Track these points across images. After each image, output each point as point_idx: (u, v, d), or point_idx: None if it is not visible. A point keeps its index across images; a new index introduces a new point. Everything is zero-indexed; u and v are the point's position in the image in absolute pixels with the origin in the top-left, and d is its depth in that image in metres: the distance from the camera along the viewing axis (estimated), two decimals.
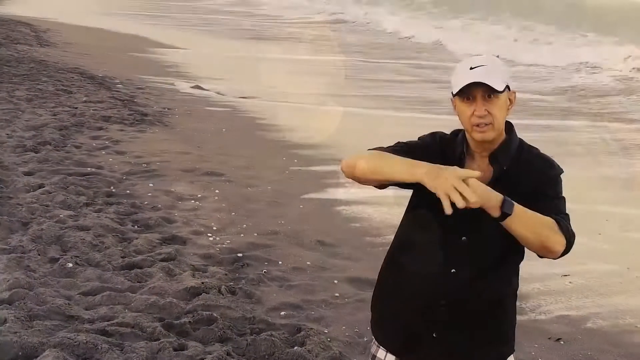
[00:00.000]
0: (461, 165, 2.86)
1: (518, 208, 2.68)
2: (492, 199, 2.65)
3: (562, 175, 2.90)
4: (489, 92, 2.78)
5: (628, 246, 7.71)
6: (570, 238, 2.77)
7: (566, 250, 2.79)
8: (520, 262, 2.98)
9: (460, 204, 2.55)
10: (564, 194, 2.87)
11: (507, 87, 2.82)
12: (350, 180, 2.97)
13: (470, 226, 2.79)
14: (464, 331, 2.92)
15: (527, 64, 23.17)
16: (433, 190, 2.61)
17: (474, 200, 2.56)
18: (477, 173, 2.64)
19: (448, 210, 2.56)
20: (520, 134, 2.95)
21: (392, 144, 2.98)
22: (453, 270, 2.88)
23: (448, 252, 2.89)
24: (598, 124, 14.69)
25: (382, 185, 2.92)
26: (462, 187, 2.57)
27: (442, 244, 2.89)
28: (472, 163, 2.91)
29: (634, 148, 12.67)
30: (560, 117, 15.42)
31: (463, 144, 2.93)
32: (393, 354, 3.05)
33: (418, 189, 2.80)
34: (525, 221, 2.69)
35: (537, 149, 2.97)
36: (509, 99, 2.87)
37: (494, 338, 3.00)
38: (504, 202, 2.65)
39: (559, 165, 2.93)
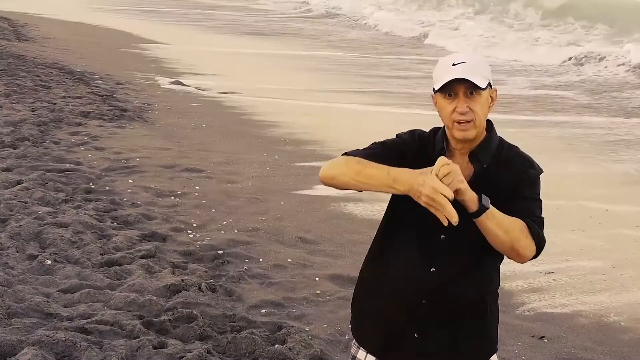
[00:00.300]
0: None
1: (493, 207, 2.69)
2: (472, 193, 2.66)
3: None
4: (471, 88, 2.77)
5: (612, 243, 7.68)
6: (540, 243, 2.79)
7: (535, 256, 2.80)
8: (501, 261, 2.97)
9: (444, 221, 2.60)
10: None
11: (489, 84, 2.81)
12: None
13: (449, 225, 2.76)
14: (445, 330, 2.90)
15: (525, 60, 23.17)
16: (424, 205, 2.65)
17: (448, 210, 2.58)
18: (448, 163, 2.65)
19: (445, 222, 2.61)
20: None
21: (367, 146, 2.95)
22: (433, 269, 2.86)
23: (427, 250, 2.87)
24: (609, 120, 14.59)
25: None
26: (438, 199, 2.59)
27: (421, 242, 2.87)
28: (452, 160, 2.87)
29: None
30: (566, 113, 15.33)
31: (443, 142, 2.90)
32: (373, 354, 3.02)
33: None
34: (499, 220, 2.71)
35: (517, 147, 2.96)
36: (491, 97, 2.86)
37: (476, 337, 2.98)
38: (481, 196, 2.66)
39: (538, 165, 2.92)
